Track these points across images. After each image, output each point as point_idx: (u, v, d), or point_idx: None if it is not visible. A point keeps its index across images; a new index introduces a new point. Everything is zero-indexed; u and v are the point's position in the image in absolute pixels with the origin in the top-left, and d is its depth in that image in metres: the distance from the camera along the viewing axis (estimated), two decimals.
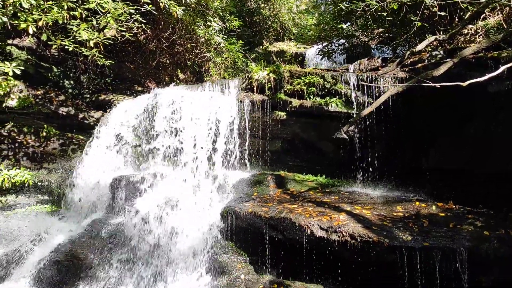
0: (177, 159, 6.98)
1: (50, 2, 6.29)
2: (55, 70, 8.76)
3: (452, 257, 3.86)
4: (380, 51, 10.96)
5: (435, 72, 5.16)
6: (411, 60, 6.93)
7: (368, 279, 4.39)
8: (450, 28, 7.51)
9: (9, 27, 6.37)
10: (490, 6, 6.81)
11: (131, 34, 7.78)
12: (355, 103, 6.58)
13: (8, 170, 7.07)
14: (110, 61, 7.95)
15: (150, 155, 7.17)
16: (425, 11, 7.49)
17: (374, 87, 6.46)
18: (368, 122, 6.43)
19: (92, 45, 6.82)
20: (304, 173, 6.95)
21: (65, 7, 6.41)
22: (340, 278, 4.62)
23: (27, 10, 6.20)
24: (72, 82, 8.91)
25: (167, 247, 5.48)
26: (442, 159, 6.06)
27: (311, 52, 13.64)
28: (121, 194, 6.44)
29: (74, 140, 7.97)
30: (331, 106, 6.62)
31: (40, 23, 6.24)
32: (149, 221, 5.82)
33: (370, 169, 6.49)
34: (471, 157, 5.63)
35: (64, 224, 6.50)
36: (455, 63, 5.30)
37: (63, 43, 6.90)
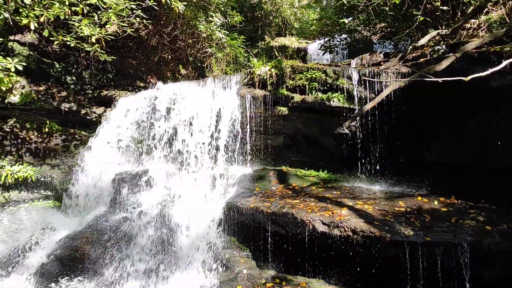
0: (179, 155, 7.01)
1: None
2: (57, 66, 8.77)
3: (454, 251, 3.87)
4: (382, 46, 10.95)
5: (437, 67, 5.14)
6: (414, 55, 6.91)
7: (370, 274, 4.39)
8: (452, 23, 7.47)
9: (11, 23, 6.37)
10: (493, 0, 6.77)
11: (133, 30, 7.77)
12: (357, 98, 6.58)
13: (11, 166, 7.09)
14: (112, 57, 7.96)
15: (152, 151, 7.20)
16: (427, 5, 7.46)
17: (376, 82, 6.44)
18: (370, 117, 6.42)
19: (94, 40, 6.83)
20: (306, 169, 6.96)
21: (67, 2, 6.40)
22: (342, 273, 4.63)
23: (28, 6, 6.21)
24: (74, 78, 8.92)
25: (169, 242, 5.51)
26: (445, 153, 6.05)
27: (313, 47, 13.62)
28: (124, 190, 6.47)
29: (76, 136, 7.98)
30: (333, 101, 6.61)
31: (41, 19, 6.24)
32: (151, 216, 5.86)
33: (372, 164, 6.50)
34: (474, 152, 5.62)
35: (67, 219, 6.52)
36: (457, 57, 5.27)
37: (65, 39, 6.92)
